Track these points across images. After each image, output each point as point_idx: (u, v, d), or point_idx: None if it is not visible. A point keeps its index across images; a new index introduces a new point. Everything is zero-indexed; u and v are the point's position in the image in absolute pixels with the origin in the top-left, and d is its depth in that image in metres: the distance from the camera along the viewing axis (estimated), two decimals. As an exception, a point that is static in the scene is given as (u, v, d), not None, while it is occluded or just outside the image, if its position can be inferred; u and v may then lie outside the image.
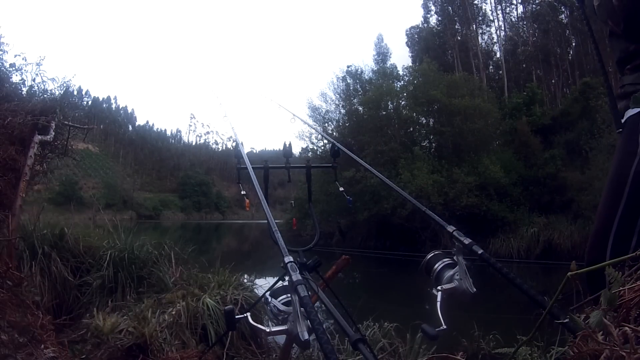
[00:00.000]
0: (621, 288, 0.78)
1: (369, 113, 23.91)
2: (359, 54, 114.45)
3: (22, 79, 4.56)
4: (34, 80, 4.55)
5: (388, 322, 4.54)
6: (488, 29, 38.75)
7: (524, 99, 25.24)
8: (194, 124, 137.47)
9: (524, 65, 35.46)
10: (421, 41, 38.07)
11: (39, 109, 3.45)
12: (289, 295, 1.17)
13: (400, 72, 27.17)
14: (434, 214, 1.69)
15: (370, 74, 28.89)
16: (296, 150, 35.14)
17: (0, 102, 3.53)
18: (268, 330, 1.22)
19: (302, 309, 1.00)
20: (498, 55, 37.23)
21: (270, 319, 1.28)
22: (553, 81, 35.02)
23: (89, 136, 4.96)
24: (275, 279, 1.72)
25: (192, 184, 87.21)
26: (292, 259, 1.07)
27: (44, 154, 3.66)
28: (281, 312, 1.37)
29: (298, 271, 1.03)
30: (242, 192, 2.30)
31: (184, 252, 6.85)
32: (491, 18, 38.34)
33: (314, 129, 26.94)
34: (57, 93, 4.60)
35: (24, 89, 4.53)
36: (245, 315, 1.21)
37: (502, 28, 38.20)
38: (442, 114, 21.70)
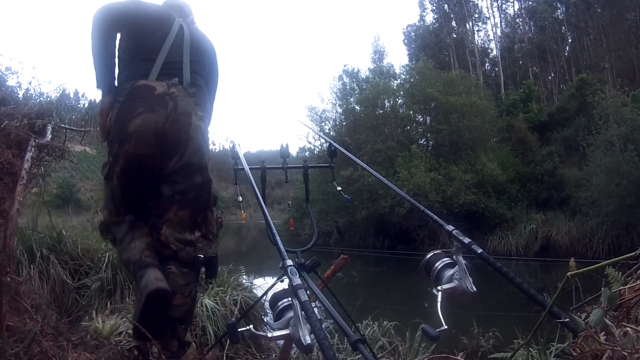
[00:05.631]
0: (621, 287, 0.78)
1: (366, 112, 23.87)
2: (357, 53, 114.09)
3: (18, 82, 4.55)
4: (30, 83, 4.55)
5: (387, 320, 4.55)
6: (484, 26, 38.78)
7: (520, 95, 25.25)
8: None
9: (521, 62, 35.44)
10: (418, 39, 38.06)
11: (35, 112, 3.44)
12: (289, 298, 1.17)
13: (397, 71, 27.17)
14: (432, 213, 1.69)
15: (367, 72, 28.81)
16: (293, 150, 35.09)
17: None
18: (270, 335, 1.21)
19: (303, 313, 0.99)
20: (494, 52, 37.23)
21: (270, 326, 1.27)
22: (549, 78, 34.98)
23: (86, 138, 4.95)
24: (274, 279, 1.71)
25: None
26: (291, 263, 1.06)
27: (41, 157, 3.65)
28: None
29: (298, 274, 1.03)
30: (239, 199, 2.28)
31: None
32: (487, 15, 38.35)
33: (311, 129, 26.87)
34: (53, 96, 4.59)
35: (20, 92, 4.52)
36: (248, 328, 1.21)
37: (499, 25, 38.20)
38: (439, 111, 21.65)
